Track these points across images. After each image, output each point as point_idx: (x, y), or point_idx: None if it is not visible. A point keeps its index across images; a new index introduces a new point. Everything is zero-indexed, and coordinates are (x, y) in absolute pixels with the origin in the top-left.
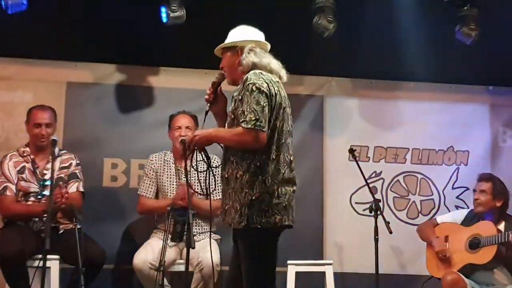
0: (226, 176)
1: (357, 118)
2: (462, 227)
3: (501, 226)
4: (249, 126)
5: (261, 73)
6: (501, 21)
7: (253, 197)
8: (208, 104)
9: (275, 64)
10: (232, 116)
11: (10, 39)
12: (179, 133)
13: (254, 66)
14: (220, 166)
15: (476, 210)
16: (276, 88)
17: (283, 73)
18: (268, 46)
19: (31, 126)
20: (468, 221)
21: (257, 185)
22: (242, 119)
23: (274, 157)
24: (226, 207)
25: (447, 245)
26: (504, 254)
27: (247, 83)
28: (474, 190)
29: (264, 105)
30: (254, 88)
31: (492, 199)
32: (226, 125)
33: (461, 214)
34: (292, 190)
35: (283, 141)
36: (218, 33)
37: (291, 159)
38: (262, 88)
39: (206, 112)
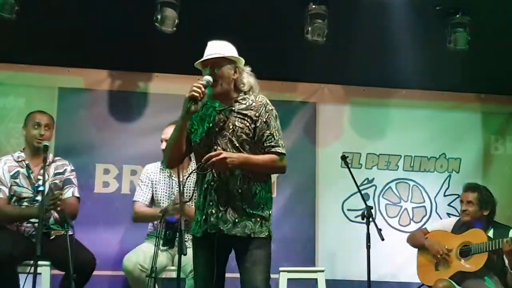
0: (240, 191)
1: (349, 125)
2: (453, 235)
3: (490, 233)
4: (284, 151)
5: None
6: (493, 29)
7: (270, 212)
8: (192, 102)
9: None
10: (250, 135)
11: (2, 44)
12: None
13: (251, 88)
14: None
15: (464, 220)
16: None
17: None
18: None
19: (30, 127)
20: (458, 229)
21: (270, 202)
22: (275, 144)
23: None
24: (236, 220)
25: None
26: (495, 261)
27: (270, 108)
28: (461, 201)
29: None
30: (276, 115)
31: (479, 209)
32: (241, 142)
33: (451, 222)
34: None
35: None
36: (211, 39)
37: None
38: None
39: (188, 111)
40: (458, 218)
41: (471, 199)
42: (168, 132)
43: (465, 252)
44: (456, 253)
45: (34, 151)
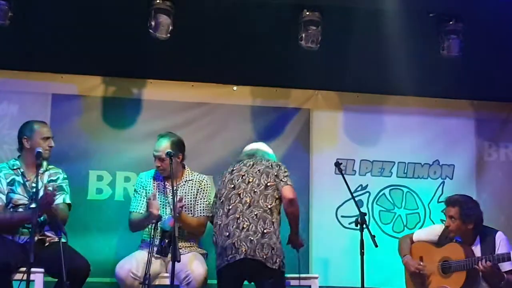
0: None
1: (343, 132)
2: (435, 248)
3: (477, 248)
4: None
5: None
6: (487, 36)
7: None
8: None
9: None
10: None
11: None
12: (156, 164)
13: None
14: None
15: (449, 236)
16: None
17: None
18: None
19: (38, 139)
20: (444, 238)
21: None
22: None
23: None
24: None
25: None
26: (476, 277)
27: None
28: (445, 215)
29: None
30: None
31: (462, 223)
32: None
33: (438, 229)
34: (225, 235)
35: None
36: (205, 46)
37: (229, 208)
38: None
39: None
40: (446, 225)
41: (452, 214)
42: (162, 148)
43: (447, 268)
44: (438, 268)
45: (35, 160)
